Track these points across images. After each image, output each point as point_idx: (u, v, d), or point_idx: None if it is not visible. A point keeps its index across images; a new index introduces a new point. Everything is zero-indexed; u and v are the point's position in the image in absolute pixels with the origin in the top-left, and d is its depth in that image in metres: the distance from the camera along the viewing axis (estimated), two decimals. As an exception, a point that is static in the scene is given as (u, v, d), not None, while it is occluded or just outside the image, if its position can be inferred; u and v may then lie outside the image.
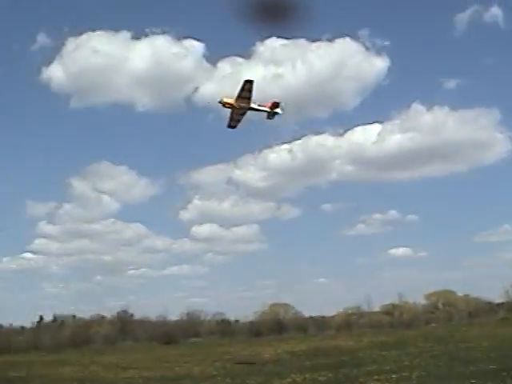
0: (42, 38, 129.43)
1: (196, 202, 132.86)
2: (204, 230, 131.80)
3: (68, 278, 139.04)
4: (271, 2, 9.37)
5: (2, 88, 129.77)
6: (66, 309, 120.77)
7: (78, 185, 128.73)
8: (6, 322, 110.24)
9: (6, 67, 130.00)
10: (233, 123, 47.10)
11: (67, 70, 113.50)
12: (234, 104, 44.67)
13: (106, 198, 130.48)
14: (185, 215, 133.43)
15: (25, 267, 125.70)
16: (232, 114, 45.94)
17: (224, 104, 45.05)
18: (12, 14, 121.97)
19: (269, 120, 46.88)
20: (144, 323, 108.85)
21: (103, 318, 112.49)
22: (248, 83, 43.92)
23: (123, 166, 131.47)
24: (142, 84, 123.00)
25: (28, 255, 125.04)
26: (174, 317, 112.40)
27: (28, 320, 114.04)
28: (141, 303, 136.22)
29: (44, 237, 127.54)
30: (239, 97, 44.34)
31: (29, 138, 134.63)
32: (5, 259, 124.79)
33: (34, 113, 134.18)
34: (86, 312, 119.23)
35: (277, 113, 46.47)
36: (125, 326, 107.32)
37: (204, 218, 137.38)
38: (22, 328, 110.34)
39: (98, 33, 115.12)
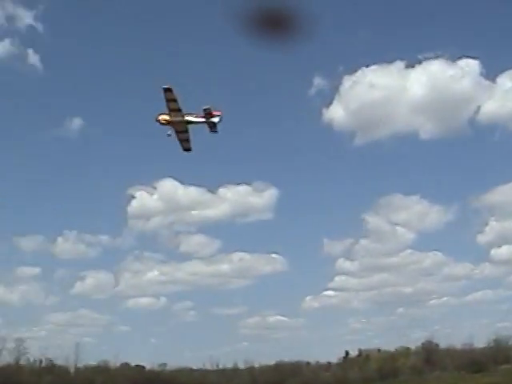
0: (318, 81, 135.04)
1: (493, 223, 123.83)
2: (504, 251, 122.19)
3: (370, 312, 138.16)
4: None
5: (288, 134, 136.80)
6: (370, 343, 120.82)
7: (372, 219, 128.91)
8: (313, 359, 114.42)
9: (288, 114, 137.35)
10: (184, 144, 42.53)
11: (347, 108, 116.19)
12: (170, 119, 40.48)
13: (400, 229, 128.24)
14: (482, 238, 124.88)
15: (327, 304, 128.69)
16: (176, 133, 41.46)
17: (160, 122, 41.18)
18: (288, 64, 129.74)
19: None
20: (450, 352, 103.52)
21: (408, 349, 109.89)
22: (167, 92, 39.36)
23: (415, 196, 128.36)
24: (422, 111, 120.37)
25: (329, 293, 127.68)
26: (480, 344, 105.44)
27: (334, 356, 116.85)
28: (445, 332, 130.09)
29: (343, 273, 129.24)
30: (169, 110, 40.06)
31: (320, 179, 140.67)
32: (307, 298, 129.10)
33: (321, 154, 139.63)
34: (390, 345, 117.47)
35: (214, 123, 40.55)
36: (430, 357, 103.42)
37: (503, 239, 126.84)
38: (329, 364, 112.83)
39: (372, 67, 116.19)
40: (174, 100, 39.66)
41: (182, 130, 41.42)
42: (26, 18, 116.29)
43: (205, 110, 40.35)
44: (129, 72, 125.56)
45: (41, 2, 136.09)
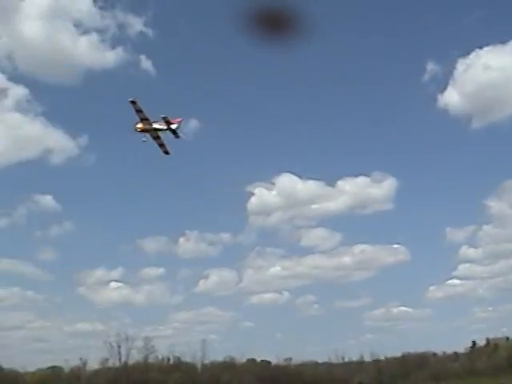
0: (431, 67, 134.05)
1: None
2: None
3: (496, 300, 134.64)
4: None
5: (403, 122, 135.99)
6: (497, 331, 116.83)
7: (495, 204, 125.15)
8: (439, 350, 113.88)
9: (402, 102, 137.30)
10: (162, 148, 48.03)
11: (462, 91, 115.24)
12: (143, 127, 46.00)
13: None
14: None
15: (452, 294, 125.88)
16: (153, 139, 47.02)
17: (137, 130, 47.00)
18: (400, 51, 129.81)
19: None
20: None
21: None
22: (133, 104, 44.94)
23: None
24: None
25: (454, 281, 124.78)
26: None
27: (461, 346, 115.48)
28: None
29: (467, 261, 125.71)
30: (140, 119, 45.76)
31: (439, 166, 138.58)
32: (431, 288, 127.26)
33: (438, 140, 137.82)
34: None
35: (174, 129, 45.68)
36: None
37: None
38: (456, 354, 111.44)
39: (485, 49, 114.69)
40: (140, 111, 46.11)
41: (155, 136, 47.88)
42: (136, 24, 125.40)
43: (163, 118, 46.61)
44: (245, 70, 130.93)
45: (149, 8, 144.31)
